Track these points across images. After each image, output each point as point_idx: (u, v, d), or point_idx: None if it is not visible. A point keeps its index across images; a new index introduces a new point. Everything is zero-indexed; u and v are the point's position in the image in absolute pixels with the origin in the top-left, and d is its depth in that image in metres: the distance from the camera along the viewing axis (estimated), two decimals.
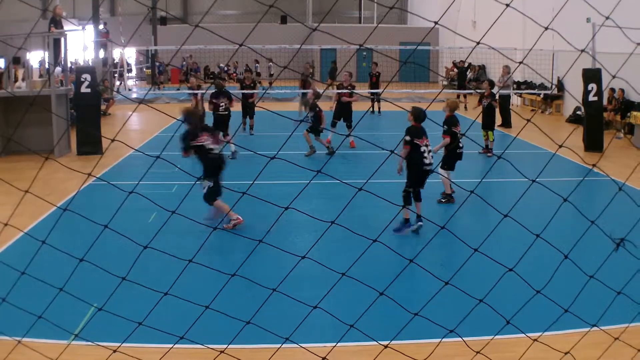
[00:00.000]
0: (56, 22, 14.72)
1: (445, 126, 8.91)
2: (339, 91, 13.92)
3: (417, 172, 7.37)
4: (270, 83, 28.74)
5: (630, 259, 3.80)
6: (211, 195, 7.51)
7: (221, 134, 12.33)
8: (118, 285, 2.71)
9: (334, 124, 13.59)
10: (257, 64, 36.39)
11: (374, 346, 3.69)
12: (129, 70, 32.33)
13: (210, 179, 7.49)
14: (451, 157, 9.15)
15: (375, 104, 20.79)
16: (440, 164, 9.08)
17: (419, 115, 7.49)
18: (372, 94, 19.66)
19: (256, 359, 4.24)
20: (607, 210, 3.72)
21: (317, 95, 12.85)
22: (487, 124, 12.82)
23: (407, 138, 7.38)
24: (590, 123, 13.73)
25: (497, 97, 13.50)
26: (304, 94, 17.66)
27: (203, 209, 8.64)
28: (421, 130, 7.50)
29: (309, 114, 12.34)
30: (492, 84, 13.35)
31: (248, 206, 7.70)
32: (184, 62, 36.45)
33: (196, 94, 14.39)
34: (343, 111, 13.78)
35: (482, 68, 28.00)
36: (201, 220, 7.87)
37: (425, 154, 7.39)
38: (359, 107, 20.31)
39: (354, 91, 13.77)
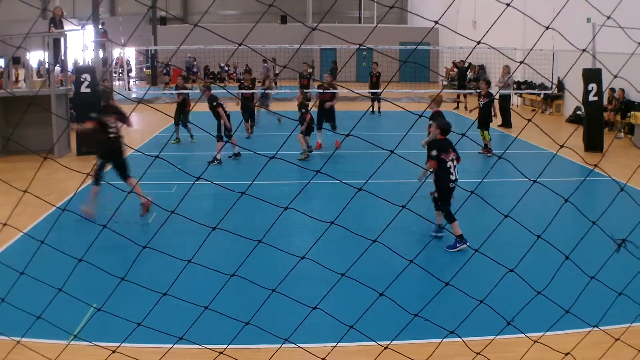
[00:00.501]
0: (56, 22, 14.72)
1: (430, 121, 8.98)
2: (319, 91, 13.82)
3: (444, 187, 7.16)
4: (275, 82, 28.78)
5: (632, 260, 3.80)
6: (96, 179, 7.68)
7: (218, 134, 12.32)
8: (117, 285, 2.71)
9: (319, 127, 13.36)
10: (265, 64, 36.30)
11: (373, 346, 3.68)
12: (129, 71, 32.30)
13: (100, 160, 7.71)
14: None
15: (375, 103, 20.81)
16: None
17: (445, 128, 7.25)
18: (372, 93, 19.67)
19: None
20: (607, 210, 3.71)
21: (307, 97, 12.74)
22: (483, 124, 12.79)
23: (434, 153, 7.08)
24: (590, 123, 13.73)
25: (495, 97, 13.48)
26: (262, 94, 17.21)
27: (203, 208, 8.65)
28: (448, 143, 7.23)
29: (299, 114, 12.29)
30: (488, 83, 13.33)
31: (247, 206, 7.69)
32: (194, 62, 36.33)
33: (181, 94, 14.43)
34: (325, 114, 13.65)
35: (482, 68, 27.99)
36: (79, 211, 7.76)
37: (452, 170, 7.15)
38: (359, 107, 20.31)
39: (350, 89, 13.68)
